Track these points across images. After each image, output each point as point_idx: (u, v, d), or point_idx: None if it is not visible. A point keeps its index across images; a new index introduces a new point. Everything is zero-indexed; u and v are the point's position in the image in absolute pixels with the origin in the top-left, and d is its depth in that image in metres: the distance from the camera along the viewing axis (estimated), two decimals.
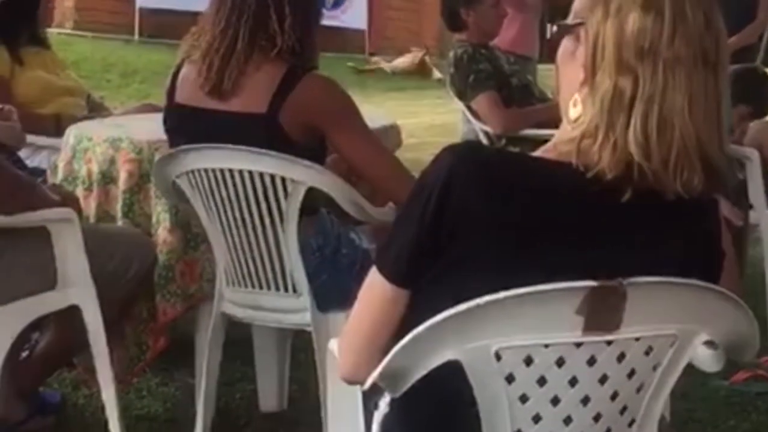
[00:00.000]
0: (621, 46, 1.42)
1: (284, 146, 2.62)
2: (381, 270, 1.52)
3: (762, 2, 6.07)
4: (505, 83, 4.64)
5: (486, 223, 1.42)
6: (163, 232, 3.06)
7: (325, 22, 14.93)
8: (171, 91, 2.81)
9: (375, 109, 12.44)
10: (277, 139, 2.63)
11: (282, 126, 2.64)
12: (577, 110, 1.47)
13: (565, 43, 1.53)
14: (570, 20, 1.53)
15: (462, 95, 4.67)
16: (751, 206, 4.19)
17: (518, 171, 1.45)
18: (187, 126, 2.77)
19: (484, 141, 4.62)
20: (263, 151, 2.59)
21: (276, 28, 2.66)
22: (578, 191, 1.44)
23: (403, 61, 16.38)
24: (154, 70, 12.10)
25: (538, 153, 1.53)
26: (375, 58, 16.58)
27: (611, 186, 1.42)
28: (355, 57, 16.80)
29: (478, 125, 4.65)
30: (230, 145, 2.62)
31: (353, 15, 17.77)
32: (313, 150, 2.70)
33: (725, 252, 1.57)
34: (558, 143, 1.50)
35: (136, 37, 14.97)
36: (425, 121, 10.97)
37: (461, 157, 1.45)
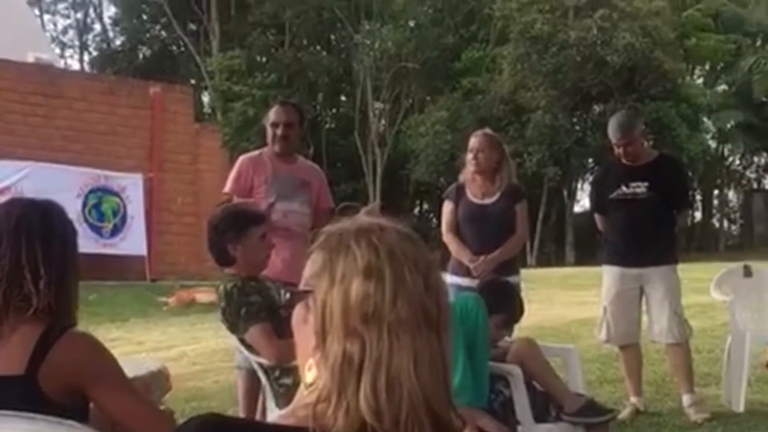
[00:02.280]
0: (347, 313, 1.50)
1: (44, 408, 2.58)
2: None
3: (519, 217, 6.40)
4: (276, 314, 4.68)
5: None
6: None
7: (104, 251, 14.84)
8: None
9: (158, 337, 12.23)
10: (37, 401, 2.59)
11: (41, 387, 2.60)
12: (311, 375, 1.54)
13: (298, 310, 1.61)
14: (301, 287, 1.61)
15: (234, 329, 4.68)
16: (518, 422, 4.33)
17: None
18: None
19: (259, 373, 4.65)
20: (20, 414, 2.54)
21: (31, 288, 2.66)
22: None
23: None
24: None
25: (282, 415, 1.58)
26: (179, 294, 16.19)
27: None
28: (137, 284, 16.65)
29: (252, 357, 4.67)
30: None
31: (132, 242, 17.72)
32: (75, 408, 2.67)
33: None
34: (296, 408, 1.55)
35: None
36: (209, 346, 10.88)
37: (200, 430, 1.47)
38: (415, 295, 1.52)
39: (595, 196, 7.27)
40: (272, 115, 6.06)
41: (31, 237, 2.71)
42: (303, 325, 1.59)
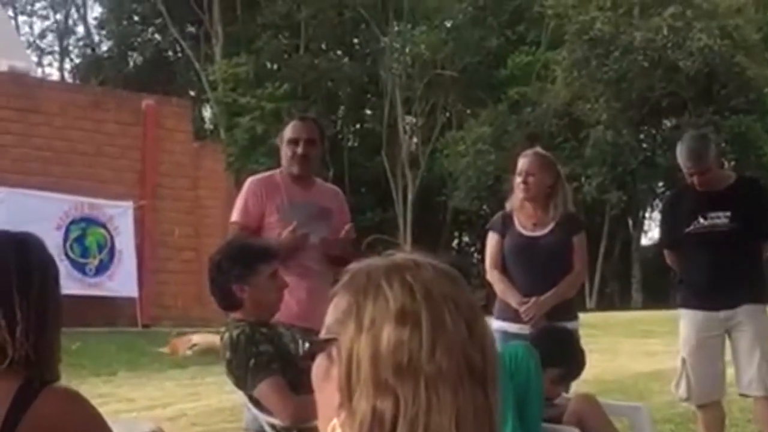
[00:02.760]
0: (377, 364, 1.49)
1: None
2: None
3: (577, 252, 6.37)
4: (291, 366, 4.66)
5: None
6: None
7: (89, 292, 14.91)
8: None
9: (152, 393, 12.25)
10: None
11: None
12: None
13: (319, 362, 1.61)
14: (323, 335, 1.61)
15: (242, 384, 4.67)
16: None
17: None
18: None
19: None
20: None
21: (6, 336, 2.67)
22: None
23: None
24: None
25: None
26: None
27: None
28: (127, 331, 16.67)
29: (263, 417, 4.66)
30: None
31: (121, 281, 17.70)
32: None
33: None
34: None
35: None
36: (211, 404, 10.88)
37: None
38: (457, 343, 1.51)
39: (665, 229, 7.21)
40: (290, 131, 6.06)
41: (6, 276, 2.72)
42: (325, 379, 1.59)
